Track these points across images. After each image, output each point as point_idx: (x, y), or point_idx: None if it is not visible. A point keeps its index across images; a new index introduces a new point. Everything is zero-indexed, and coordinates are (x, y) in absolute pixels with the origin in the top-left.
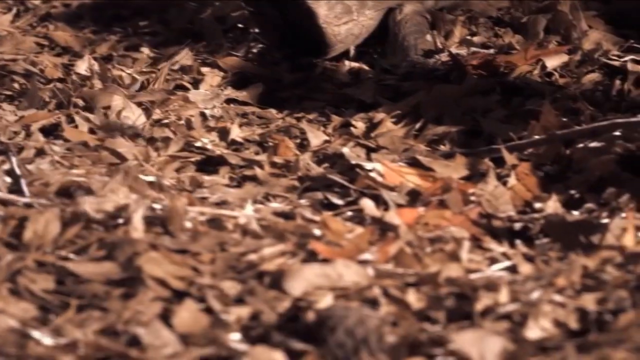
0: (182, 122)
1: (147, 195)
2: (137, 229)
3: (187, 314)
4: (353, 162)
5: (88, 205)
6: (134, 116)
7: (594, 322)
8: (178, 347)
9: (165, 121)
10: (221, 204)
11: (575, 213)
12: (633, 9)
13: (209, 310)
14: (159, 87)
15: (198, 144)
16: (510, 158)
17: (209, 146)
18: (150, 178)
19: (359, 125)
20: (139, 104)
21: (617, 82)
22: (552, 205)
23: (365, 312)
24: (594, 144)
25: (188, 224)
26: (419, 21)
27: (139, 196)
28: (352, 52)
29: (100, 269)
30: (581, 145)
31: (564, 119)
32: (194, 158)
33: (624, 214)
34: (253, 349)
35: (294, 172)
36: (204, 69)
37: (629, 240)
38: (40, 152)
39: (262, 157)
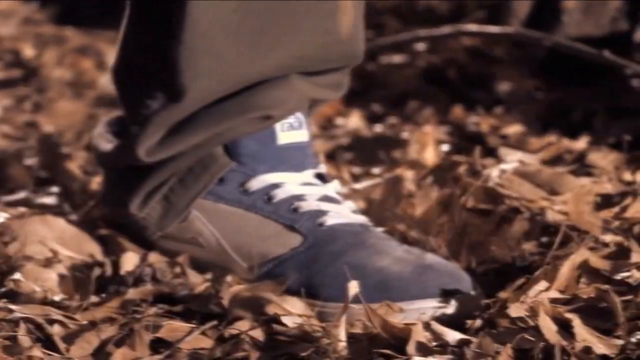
0: None
1: None
2: None
3: None
4: None
5: None
6: None
7: None
8: None
9: None
10: None
11: (378, 128)
12: None
13: None
14: None
15: None
16: None
17: None
18: None
19: None
20: None
21: None
22: (355, 121)
23: None
24: (398, 59)
25: None
26: None
27: None
28: None
29: None
30: (385, 60)
31: (369, 34)
32: None
33: (425, 129)
34: None
35: (92, 90)
36: None
37: (429, 154)
38: None
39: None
